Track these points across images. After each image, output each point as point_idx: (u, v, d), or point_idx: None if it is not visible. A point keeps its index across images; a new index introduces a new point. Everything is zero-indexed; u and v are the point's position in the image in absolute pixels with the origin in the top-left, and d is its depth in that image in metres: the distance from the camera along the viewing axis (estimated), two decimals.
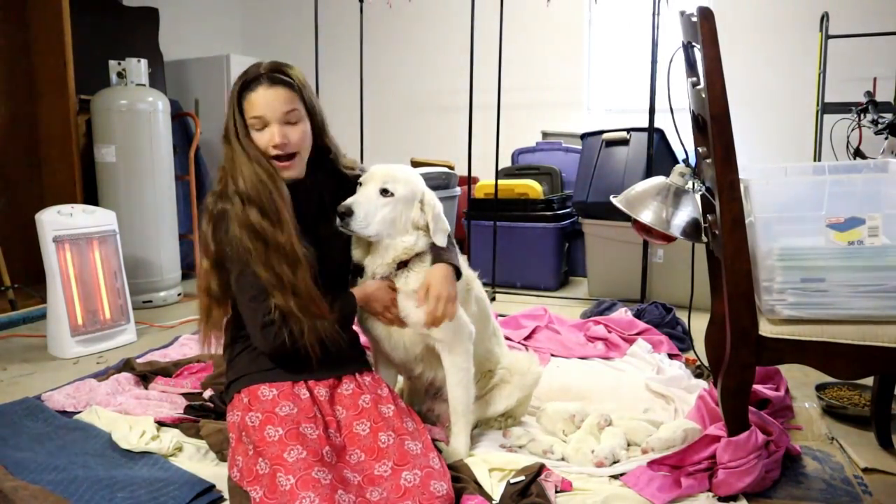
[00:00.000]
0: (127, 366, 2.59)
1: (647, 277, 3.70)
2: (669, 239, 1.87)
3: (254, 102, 1.67)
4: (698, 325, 2.26)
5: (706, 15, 1.50)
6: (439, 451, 1.69)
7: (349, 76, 4.31)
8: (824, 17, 4.42)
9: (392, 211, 1.73)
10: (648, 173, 3.58)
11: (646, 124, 3.69)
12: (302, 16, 5.42)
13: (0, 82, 3.94)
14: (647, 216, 1.84)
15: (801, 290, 1.54)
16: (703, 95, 1.56)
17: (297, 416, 1.60)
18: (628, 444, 1.91)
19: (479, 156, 4.22)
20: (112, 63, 3.74)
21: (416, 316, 1.76)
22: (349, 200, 1.70)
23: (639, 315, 3.18)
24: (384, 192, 1.73)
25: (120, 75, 3.72)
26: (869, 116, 3.10)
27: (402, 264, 1.78)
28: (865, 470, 1.80)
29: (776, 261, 1.55)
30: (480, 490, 1.63)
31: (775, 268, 1.55)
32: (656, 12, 3.54)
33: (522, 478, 1.64)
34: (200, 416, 2.09)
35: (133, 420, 2.03)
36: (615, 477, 1.73)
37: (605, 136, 3.99)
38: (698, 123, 1.81)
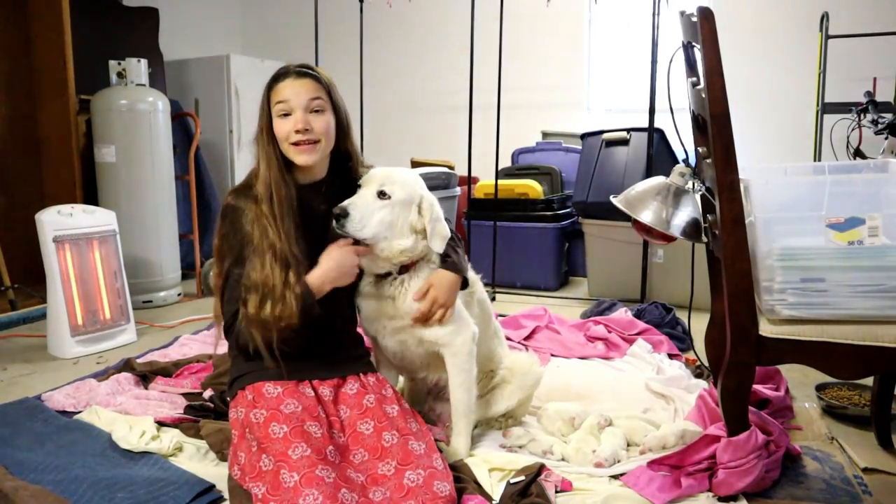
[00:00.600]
0: (127, 366, 2.59)
1: (647, 277, 3.70)
2: (669, 239, 1.87)
3: (280, 90, 1.70)
4: (698, 325, 2.26)
5: (706, 15, 1.50)
6: (440, 450, 1.69)
7: (349, 76, 4.30)
8: (824, 17, 4.42)
9: (389, 214, 1.72)
10: (648, 173, 3.58)
11: (646, 124, 3.70)
12: (302, 16, 5.42)
13: (0, 82, 3.94)
14: (647, 216, 1.84)
15: (801, 290, 1.54)
16: (703, 95, 1.56)
17: (301, 415, 1.61)
18: (628, 445, 1.91)
19: (479, 156, 4.22)
20: (112, 63, 3.74)
21: (410, 307, 1.77)
22: (346, 202, 1.70)
23: (639, 315, 3.18)
24: (381, 194, 1.72)
25: (120, 75, 3.72)
26: (869, 116, 3.10)
27: (405, 268, 1.78)
28: (865, 470, 1.80)
29: (776, 261, 1.55)
30: (480, 490, 1.63)
31: (775, 268, 1.55)
32: (656, 12, 3.54)
33: (522, 478, 1.64)
34: (200, 416, 2.09)
35: (133, 420, 2.04)
36: (615, 477, 1.73)
37: (605, 136, 3.99)
38: (698, 123, 1.81)
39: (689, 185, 1.86)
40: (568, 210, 4.38)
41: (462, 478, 1.65)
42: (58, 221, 2.94)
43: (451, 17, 5.26)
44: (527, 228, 4.24)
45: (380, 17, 5.16)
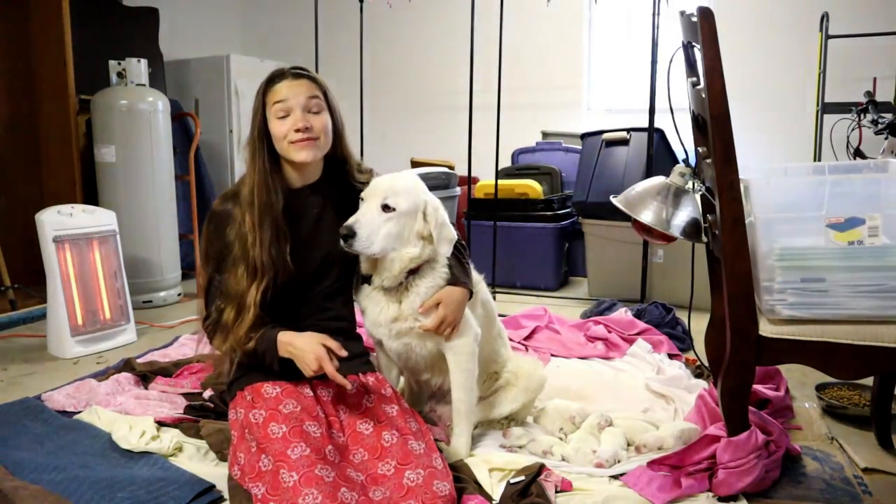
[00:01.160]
0: (127, 366, 2.59)
1: (647, 277, 3.70)
2: (669, 239, 1.87)
3: (278, 90, 1.70)
4: (698, 325, 2.26)
5: (706, 15, 1.50)
6: (440, 450, 1.69)
7: (349, 76, 4.31)
8: (824, 17, 4.42)
9: (395, 226, 1.71)
10: (648, 173, 3.58)
11: (646, 124, 3.69)
12: (302, 16, 5.41)
13: (0, 82, 3.94)
14: (647, 216, 1.84)
15: (801, 290, 1.54)
16: (703, 95, 1.56)
17: (300, 415, 1.61)
18: (628, 445, 1.91)
19: (479, 156, 4.22)
20: (112, 63, 3.74)
21: (414, 309, 1.76)
22: (351, 221, 1.67)
23: (639, 315, 3.18)
24: (386, 207, 1.70)
25: (120, 75, 3.72)
26: (869, 116, 3.10)
27: (412, 271, 1.78)
28: (865, 470, 1.80)
29: (776, 261, 1.55)
30: (480, 490, 1.63)
31: (775, 268, 1.55)
32: (656, 12, 3.54)
33: (522, 478, 1.64)
34: (200, 416, 2.09)
35: (133, 420, 2.03)
36: (615, 477, 1.73)
37: (605, 136, 3.99)
38: (698, 123, 1.81)
39: (689, 185, 1.86)
40: (568, 210, 4.38)
41: (462, 478, 1.65)
42: (58, 221, 2.94)
43: (451, 18, 5.25)
44: (527, 228, 4.24)
45: (380, 17, 5.16)
